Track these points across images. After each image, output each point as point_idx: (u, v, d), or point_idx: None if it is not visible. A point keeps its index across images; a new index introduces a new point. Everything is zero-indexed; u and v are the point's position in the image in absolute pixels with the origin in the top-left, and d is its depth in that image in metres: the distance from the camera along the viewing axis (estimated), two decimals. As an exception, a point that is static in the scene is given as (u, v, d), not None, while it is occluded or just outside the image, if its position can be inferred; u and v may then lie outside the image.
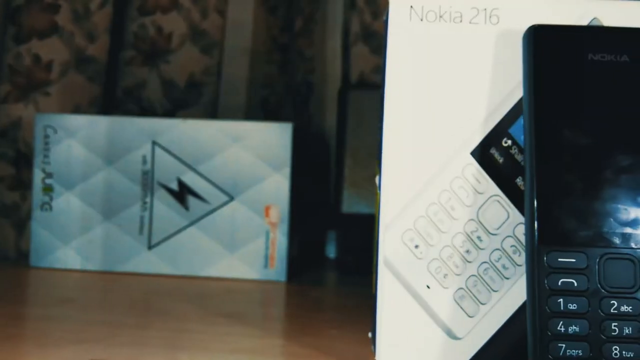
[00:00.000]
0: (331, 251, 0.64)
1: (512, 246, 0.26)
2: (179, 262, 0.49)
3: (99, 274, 0.49)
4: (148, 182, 0.49)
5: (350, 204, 0.57)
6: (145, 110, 0.66)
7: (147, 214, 0.49)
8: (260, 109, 0.69)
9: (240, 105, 0.69)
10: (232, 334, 0.33)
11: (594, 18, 0.26)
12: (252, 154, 0.49)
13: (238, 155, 0.49)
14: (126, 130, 0.50)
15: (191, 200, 0.49)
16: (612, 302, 0.23)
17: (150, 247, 0.49)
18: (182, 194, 0.49)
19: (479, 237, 0.26)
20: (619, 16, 0.26)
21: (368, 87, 0.64)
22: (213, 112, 0.68)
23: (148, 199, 0.49)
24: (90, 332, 0.32)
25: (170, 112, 0.67)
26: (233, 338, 0.32)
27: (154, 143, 0.50)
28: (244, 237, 0.48)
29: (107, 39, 0.65)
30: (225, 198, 0.49)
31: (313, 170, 0.61)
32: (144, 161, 0.49)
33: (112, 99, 0.67)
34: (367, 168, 0.55)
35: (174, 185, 0.49)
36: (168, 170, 0.49)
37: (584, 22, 0.26)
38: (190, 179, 0.49)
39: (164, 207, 0.49)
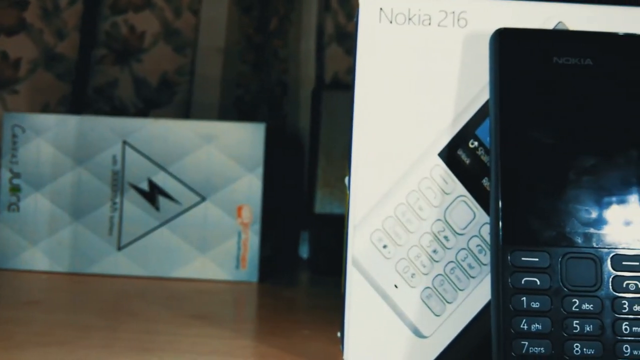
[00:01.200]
0: (304, 251, 0.64)
1: (477, 246, 0.26)
2: (149, 263, 0.48)
3: (67, 276, 0.48)
4: (118, 182, 0.49)
5: (323, 204, 0.57)
6: (117, 110, 0.66)
7: (116, 214, 0.49)
8: (234, 109, 0.69)
9: (213, 104, 0.69)
10: (203, 335, 0.32)
11: (560, 22, 0.27)
12: (225, 154, 0.48)
13: (210, 155, 0.48)
14: (96, 129, 0.49)
15: (162, 200, 0.48)
16: (573, 300, 0.23)
17: (119, 248, 0.49)
18: (152, 194, 0.49)
19: (446, 237, 0.26)
20: (584, 20, 0.27)
21: (342, 88, 0.64)
22: (186, 112, 0.68)
23: (118, 200, 0.49)
24: (57, 334, 0.31)
25: (143, 112, 0.67)
26: (203, 340, 0.31)
27: (125, 143, 0.49)
28: (216, 238, 0.48)
29: (77, 36, 0.64)
30: (196, 198, 0.48)
31: (287, 170, 0.61)
32: (114, 161, 0.49)
33: (83, 97, 0.66)
34: (340, 168, 0.55)
35: (145, 186, 0.49)
36: (138, 170, 0.49)
37: (550, 25, 0.27)
38: (161, 179, 0.49)
39: (134, 208, 0.49)
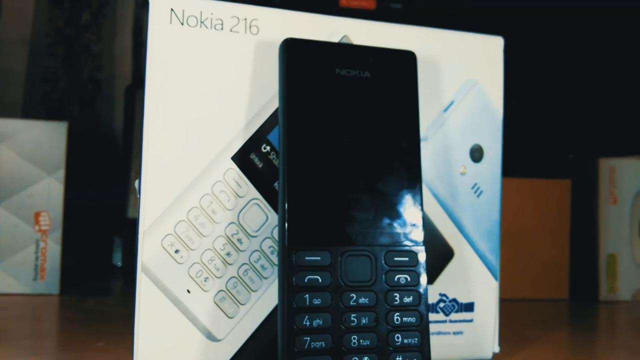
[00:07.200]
0: (119, 259, 0.61)
1: (270, 247, 0.27)
2: None
3: None
4: None
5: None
6: None
7: None
8: (40, 106, 0.64)
9: (16, 101, 0.63)
10: (-22, 356, 0.29)
11: (344, 35, 0.29)
12: (20, 155, 0.44)
13: (2, 156, 0.44)
14: None
15: (-59, 207, 0.43)
16: (351, 295, 0.25)
17: None
18: None
19: (239, 240, 0.27)
20: (367, 35, 0.29)
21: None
22: (-18, 108, 0.61)
23: None
24: None
25: None
26: (-23, 361, 0.28)
27: None
28: (9, 247, 0.44)
29: None
30: (-15, 204, 0.44)
31: (98, 172, 0.57)
32: None
33: None
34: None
35: None
36: None
37: (335, 38, 0.29)
38: (-59, 183, 0.43)
39: None
